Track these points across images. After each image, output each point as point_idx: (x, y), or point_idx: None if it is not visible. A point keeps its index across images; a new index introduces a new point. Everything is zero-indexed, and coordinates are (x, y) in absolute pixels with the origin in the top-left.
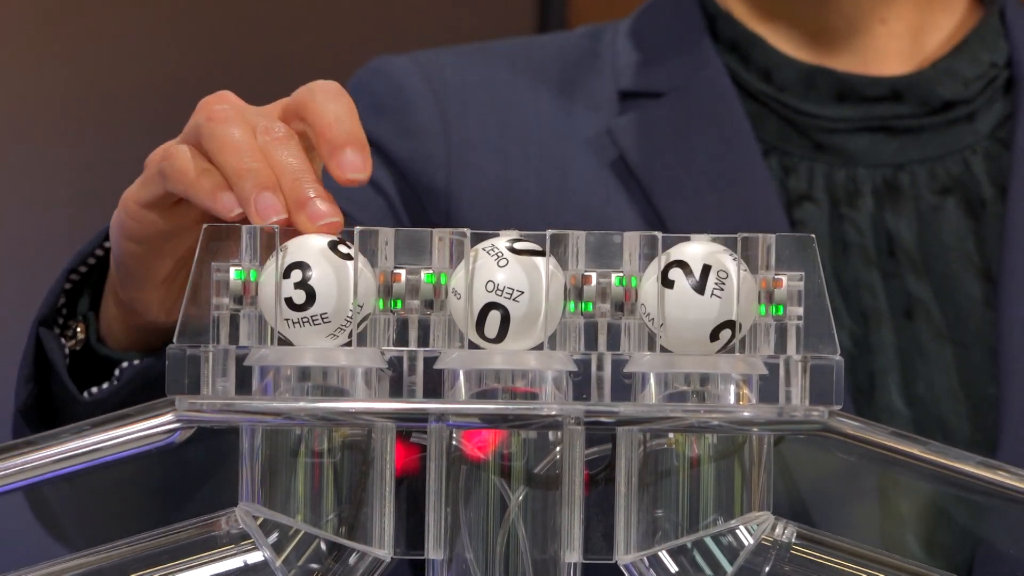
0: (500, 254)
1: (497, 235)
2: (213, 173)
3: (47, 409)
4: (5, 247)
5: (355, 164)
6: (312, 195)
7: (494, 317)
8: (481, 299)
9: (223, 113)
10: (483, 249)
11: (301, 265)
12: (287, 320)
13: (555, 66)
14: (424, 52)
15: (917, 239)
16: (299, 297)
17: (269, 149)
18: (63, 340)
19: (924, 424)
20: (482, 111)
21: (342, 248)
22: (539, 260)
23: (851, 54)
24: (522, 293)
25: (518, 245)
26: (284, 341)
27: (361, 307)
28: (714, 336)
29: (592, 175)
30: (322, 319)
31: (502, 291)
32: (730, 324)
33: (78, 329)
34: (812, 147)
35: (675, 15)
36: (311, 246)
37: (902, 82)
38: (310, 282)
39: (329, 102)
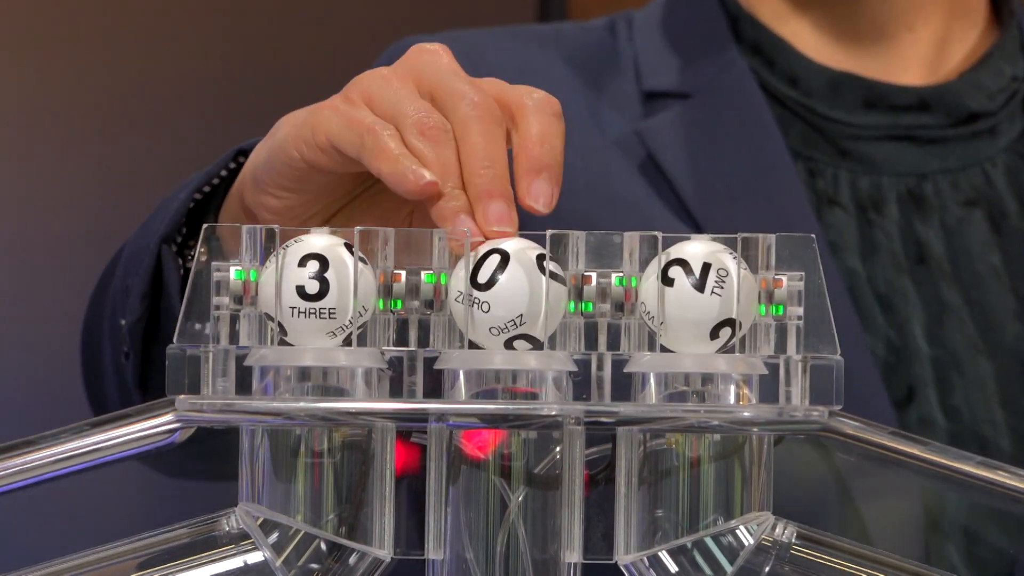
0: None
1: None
2: (411, 158)
3: (153, 328)
4: (6, 247)
5: (543, 193)
6: (496, 192)
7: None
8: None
9: (428, 128)
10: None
11: (318, 257)
12: (293, 308)
13: (580, 59)
14: (455, 32)
15: (946, 249)
16: (312, 287)
17: (468, 130)
18: (180, 260)
19: (961, 437)
20: None
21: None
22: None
23: (876, 59)
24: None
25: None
26: (284, 341)
27: (365, 310)
28: (714, 334)
29: (627, 173)
30: (329, 314)
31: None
32: (730, 322)
33: (202, 250)
34: (837, 153)
35: (694, 14)
36: (328, 242)
37: (930, 92)
38: (326, 275)
39: (543, 118)
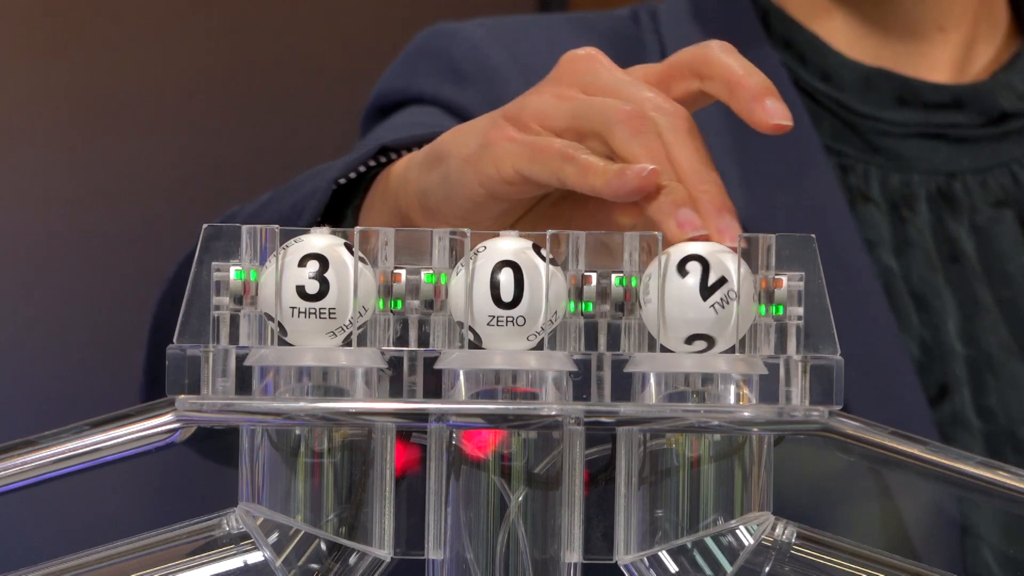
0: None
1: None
2: (617, 167)
3: None
4: (6, 247)
5: (780, 111)
6: (723, 205)
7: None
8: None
9: (635, 120)
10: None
11: (318, 257)
12: (293, 308)
13: (611, 46)
14: (489, 20)
15: (977, 249)
16: (312, 287)
17: (673, 144)
18: None
19: (996, 438)
20: None
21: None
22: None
23: (907, 58)
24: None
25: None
26: (284, 341)
27: (365, 310)
28: (689, 341)
29: None
30: (329, 314)
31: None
32: (708, 338)
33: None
34: (868, 149)
35: (723, 6)
36: (328, 242)
37: (964, 90)
38: (326, 275)
39: (732, 56)
